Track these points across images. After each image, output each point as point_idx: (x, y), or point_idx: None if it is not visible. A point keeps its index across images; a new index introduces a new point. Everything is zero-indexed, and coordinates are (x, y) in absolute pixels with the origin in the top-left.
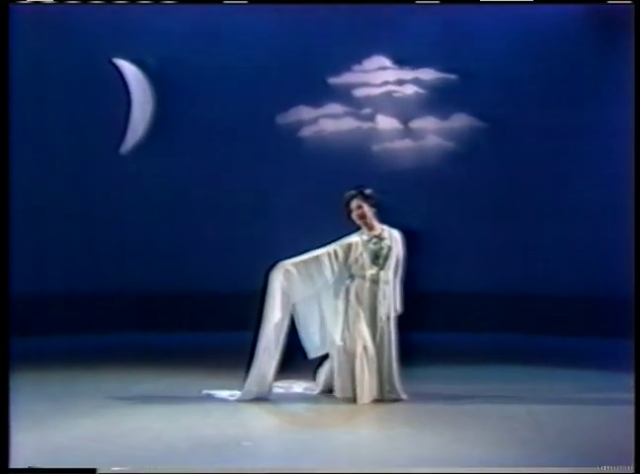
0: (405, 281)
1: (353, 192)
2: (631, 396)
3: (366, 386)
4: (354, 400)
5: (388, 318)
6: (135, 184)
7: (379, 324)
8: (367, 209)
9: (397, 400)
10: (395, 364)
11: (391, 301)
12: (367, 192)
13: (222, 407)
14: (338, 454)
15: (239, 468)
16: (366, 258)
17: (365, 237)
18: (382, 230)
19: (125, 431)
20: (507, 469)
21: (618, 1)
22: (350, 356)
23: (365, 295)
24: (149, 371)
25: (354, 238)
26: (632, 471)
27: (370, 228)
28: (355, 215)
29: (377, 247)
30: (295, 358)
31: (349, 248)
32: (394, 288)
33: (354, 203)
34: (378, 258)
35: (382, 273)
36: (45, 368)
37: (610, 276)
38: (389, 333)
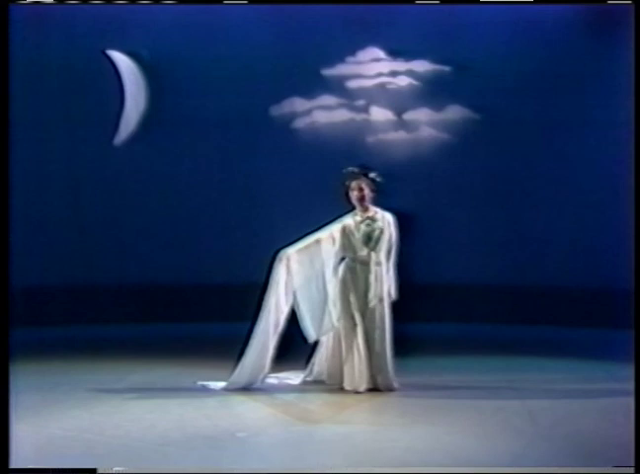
0: (399, 272)
1: (356, 170)
2: (631, 387)
3: (356, 373)
4: (343, 387)
5: (381, 300)
6: (133, 176)
7: (371, 306)
8: (368, 193)
9: (389, 390)
10: (388, 351)
11: (384, 284)
12: (372, 175)
13: (216, 398)
14: (330, 446)
15: (239, 468)
16: (358, 239)
17: (358, 218)
18: (375, 212)
19: (119, 422)
20: (504, 469)
21: (618, 1)
22: (340, 342)
23: (356, 277)
24: (143, 362)
25: (347, 220)
26: (633, 471)
27: (365, 210)
28: (354, 196)
29: (370, 229)
30: (289, 348)
31: (344, 230)
32: (388, 273)
33: (355, 184)
34: (370, 239)
35: (373, 254)
36: (39, 360)
37: (610, 266)
38: (382, 316)
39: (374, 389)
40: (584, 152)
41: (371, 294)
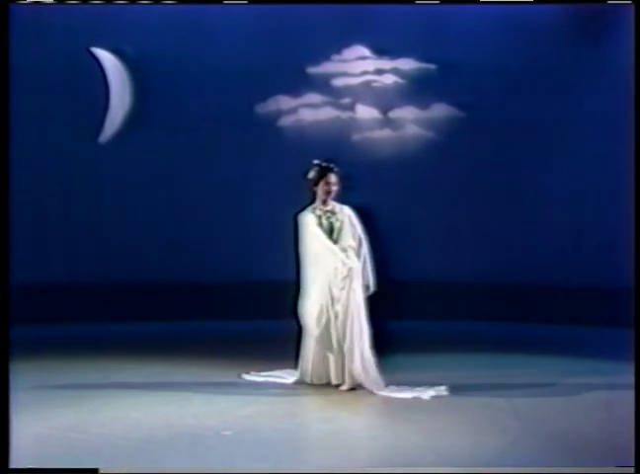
0: (385, 269)
1: (324, 164)
2: (626, 385)
3: (334, 369)
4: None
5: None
6: (120, 174)
7: (341, 292)
8: (337, 188)
9: (377, 389)
10: (366, 345)
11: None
12: (337, 170)
13: (201, 396)
14: (316, 444)
15: (224, 466)
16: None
17: (319, 212)
18: (334, 206)
19: (104, 420)
20: (497, 469)
21: (618, 1)
22: (319, 339)
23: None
24: (132, 360)
25: (308, 215)
26: (633, 471)
27: (325, 204)
28: (326, 190)
29: (330, 221)
30: (278, 347)
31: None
32: (364, 266)
33: (326, 178)
34: (332, 231)
35: (337, 246)
36: (30, 358)
37: (609, 263)
38: (357, 305)
39: (360, 387)
40: (574, 149)
41: (341, 281)
